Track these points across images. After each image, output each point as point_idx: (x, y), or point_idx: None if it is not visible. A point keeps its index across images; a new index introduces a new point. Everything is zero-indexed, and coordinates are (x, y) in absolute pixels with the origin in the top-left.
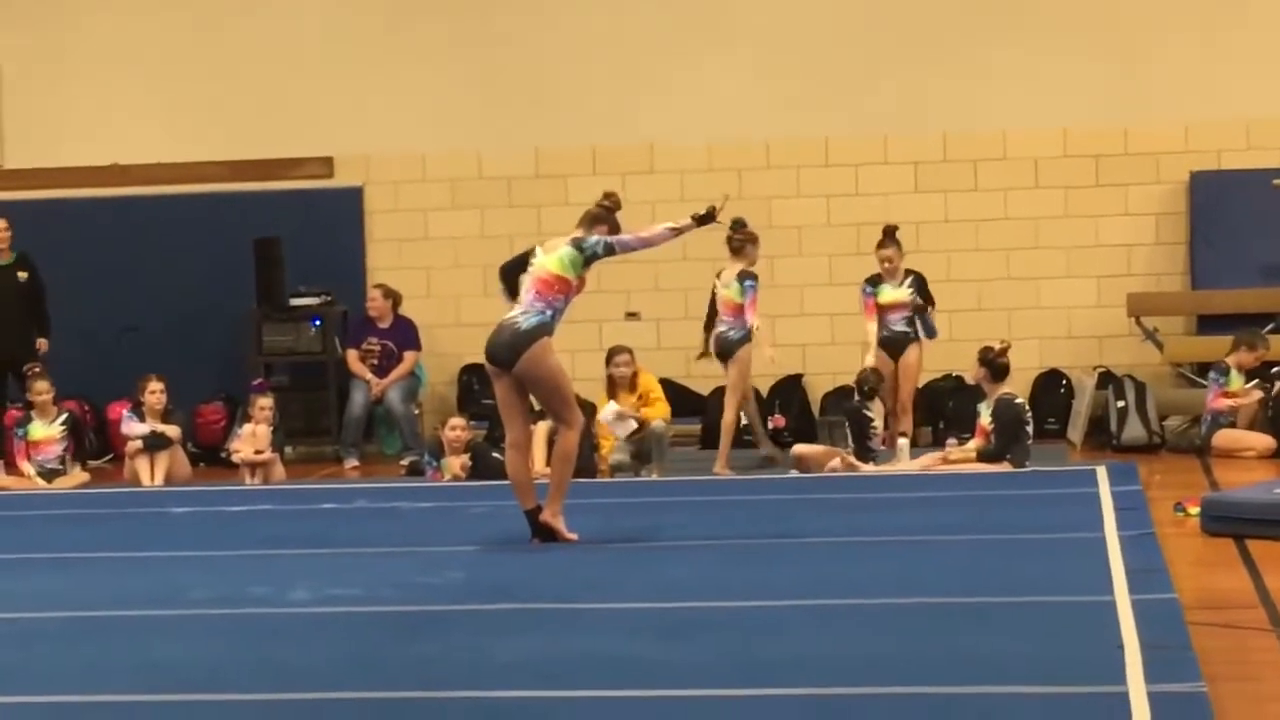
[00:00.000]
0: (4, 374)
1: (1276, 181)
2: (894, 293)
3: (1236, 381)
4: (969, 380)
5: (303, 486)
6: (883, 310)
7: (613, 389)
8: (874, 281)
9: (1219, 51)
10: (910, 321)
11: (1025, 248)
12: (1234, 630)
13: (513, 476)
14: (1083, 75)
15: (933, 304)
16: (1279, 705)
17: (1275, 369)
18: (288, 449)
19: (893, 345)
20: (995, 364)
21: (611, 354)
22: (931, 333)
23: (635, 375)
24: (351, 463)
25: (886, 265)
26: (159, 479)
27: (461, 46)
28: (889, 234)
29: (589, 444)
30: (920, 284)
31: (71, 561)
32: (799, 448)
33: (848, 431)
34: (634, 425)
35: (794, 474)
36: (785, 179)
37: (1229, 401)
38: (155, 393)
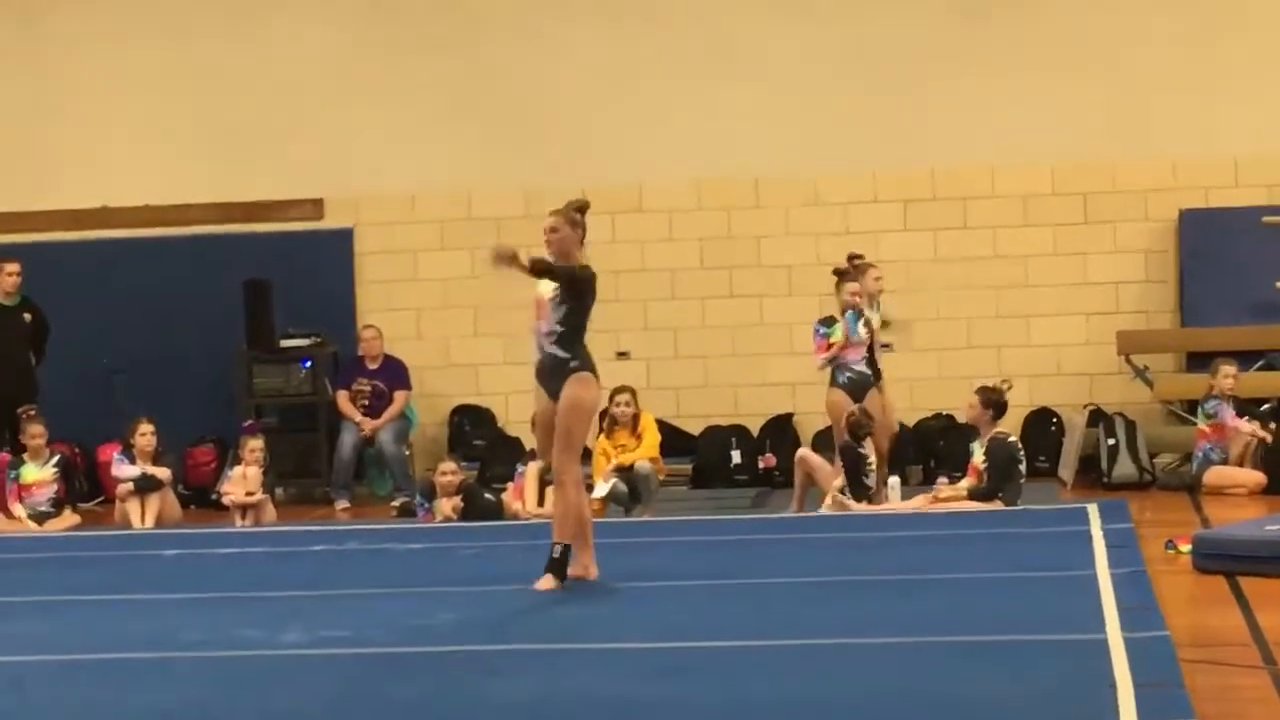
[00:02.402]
0: (7, 414)
1: (1266, 219)
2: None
3: (1230, 410)
4: (961, 419)
5: (294, 528)
6: (841, 349)
7: (612, 428)
8: (827, 322)
9: (1207, 89)
10: (870, 362)
11: (1015, 285)
12: (1226, 668)
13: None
14: (1071, 113)
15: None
16: None
17: (1265, 406)
18: (278, 491)
19: (854, 388)
20: (999, 403)
21: (613, 394)
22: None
23: (637, 416)
24: (342, 504)
25: (855, 300)
26: (150, 521)
27: (450, 88)
28: (850, 260)
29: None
30: (871, 327)
31: (62, 604)
32: (807, 452)
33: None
34: (613, 483)
35: (786, 514)
36: (774, 218)
37: (1249, 425)
38: (146, 435)
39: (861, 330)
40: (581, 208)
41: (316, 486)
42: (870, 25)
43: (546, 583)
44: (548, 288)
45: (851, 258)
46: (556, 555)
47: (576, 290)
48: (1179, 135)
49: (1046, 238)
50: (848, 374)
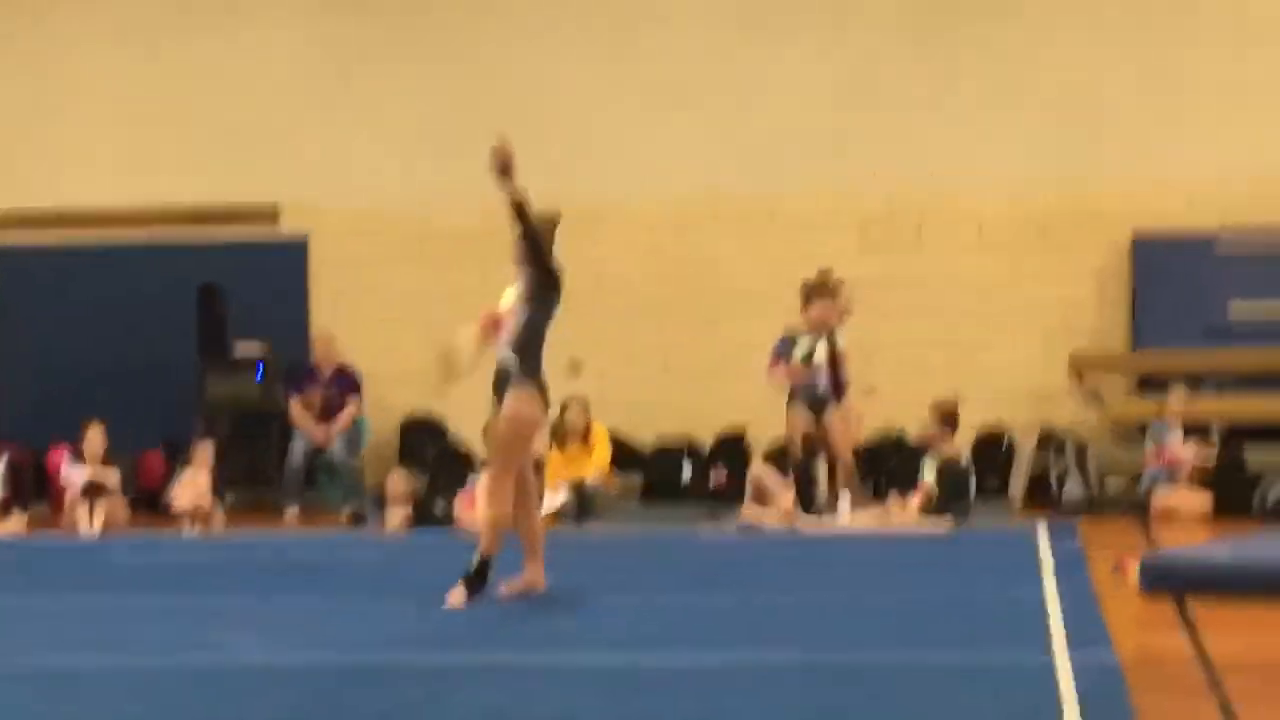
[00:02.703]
0: None
1: (1220, 245)
2: (816, 349)
3: (1175, 435)
4: (911, 439)
5: (243, 536)
6: (798, 370)
7: (563, 439)
8: (789, 340)
9: (1161, 115)
10: (834, 380)
11: (969, 308)
12: (1173, 690)
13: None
14: (1026, 138)
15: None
16: None
17: (1214, 430)
18: (228, 498)
19: (816, 405)
20: (954, 417)
21: (565, 405)
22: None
23: (589, 427)
24: (292, 512)
25: (826, 316)
26: (98, 526)
27: (412, 99)
28: (817, 290)
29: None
30: (833, 345)
31: (6, 610)
32: (761, 468)
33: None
34: (564, 496)
35: (739, 524)
36: (733, 239)
37: (1189, 454)
38: (95, 439)
39: (821, 352)
40: (554, 220)
41: (267, 494)
42: (832, 50)
43: (456, 595)
44: (510, 297)
45: (822, 274)
46: (472, 566)
47: (540, 279)
48: (1132, 160)
49: (1001, 261)
50: (808, 393)
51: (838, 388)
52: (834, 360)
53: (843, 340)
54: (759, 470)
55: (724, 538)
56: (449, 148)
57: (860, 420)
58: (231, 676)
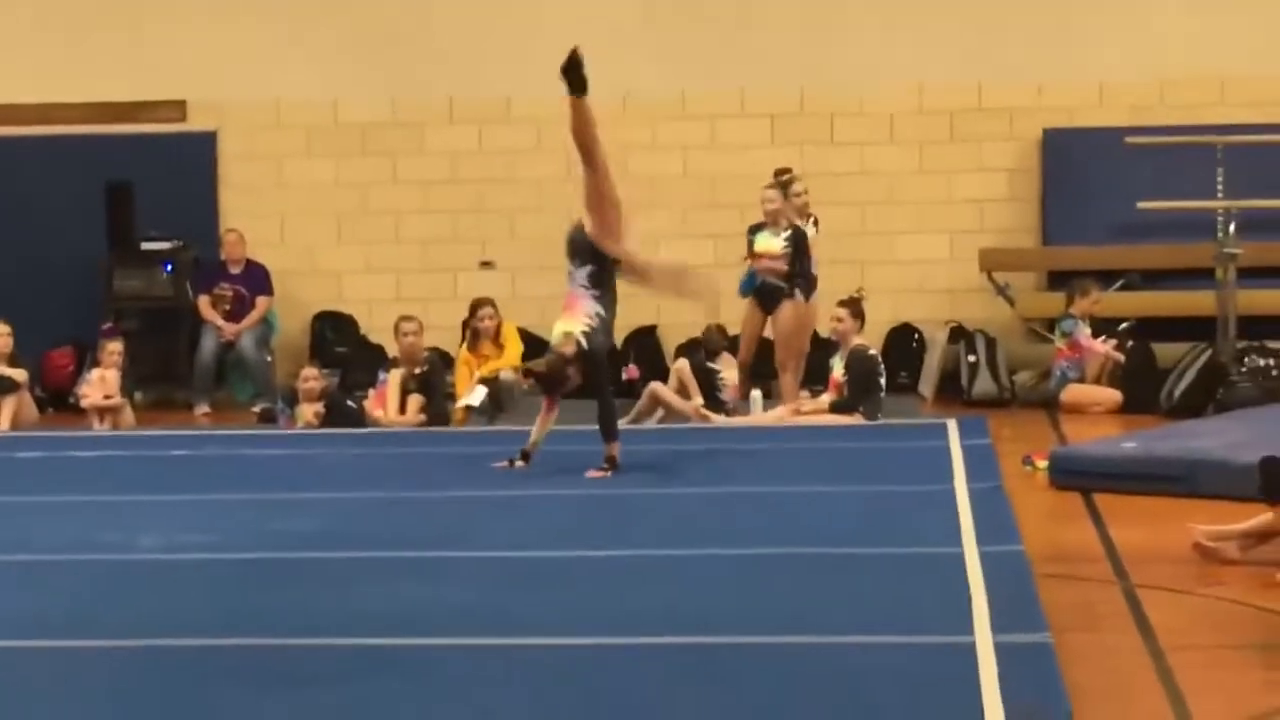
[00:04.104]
0: None
1: (1130, 140)
2: (768, 242)
3: (1085, 330)
4: (825, 333)
5: (153, 433)
6: (757, 259)
7: (475, 340)
8: (754, 229)
9: (1073, 10)
10: (788, 276)
11: (880, 202)
12: (1080, 582)
13: None
14: (938, 31)
15: (805, 262)
16: (1123, 655)
17: (1123, 325)
18: (138, 395)
19: (764, 297)
20: (859, 310)
21: (475, 306)
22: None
23: (499, 326)
24: (203, 409)
25: (767, 207)
26: (5, 424)
27: None
28: (775, 175)
29: (443, 394)
30: (797, 240)
31: None
32: (658, 386)
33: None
34: (483, 392)
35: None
36: (642, 131)
37: (1103, 346)
38: (1, 336)
39: (768, 244)
40: None
41: (177, 391)
42: None
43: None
44: None
45: (778, 172)
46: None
47: None
48: (1044, 56)
49: (912, 155)
50: (757, 284)
51: (795, 282)
52: (795, 255)
53: (810, 234)
54: (680, 364)
55: (634, 433)
56: (354, 39)
57: (814, 320)
58: (135, 572)
